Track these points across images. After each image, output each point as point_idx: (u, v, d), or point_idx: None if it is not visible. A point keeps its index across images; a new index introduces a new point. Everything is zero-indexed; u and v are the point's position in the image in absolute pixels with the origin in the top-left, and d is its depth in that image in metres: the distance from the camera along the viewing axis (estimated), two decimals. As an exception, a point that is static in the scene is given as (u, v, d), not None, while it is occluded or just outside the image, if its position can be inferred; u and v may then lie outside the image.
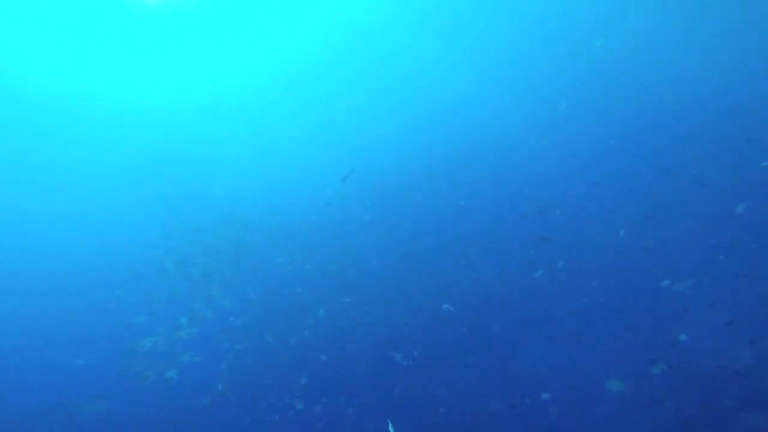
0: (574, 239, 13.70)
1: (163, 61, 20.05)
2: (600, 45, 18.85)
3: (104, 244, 15.81)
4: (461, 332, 12.56)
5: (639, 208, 13.78)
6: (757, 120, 15.57)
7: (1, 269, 15.89)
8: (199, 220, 16.58)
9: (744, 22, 16.63)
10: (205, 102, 21.90)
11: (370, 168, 18.14)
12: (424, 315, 13.18)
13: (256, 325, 12.84)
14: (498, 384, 11.08)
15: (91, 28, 16.84)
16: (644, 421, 9.66)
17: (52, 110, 18.71)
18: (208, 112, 21.94)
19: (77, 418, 11.61)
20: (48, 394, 12.82)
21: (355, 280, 14.19)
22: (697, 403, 9.43)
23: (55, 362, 13.76)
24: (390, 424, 2.73)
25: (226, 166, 19.61)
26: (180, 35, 18.51)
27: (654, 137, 16.67)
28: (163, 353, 12.03)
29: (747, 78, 17.62)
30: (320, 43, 19.32)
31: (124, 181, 19.11)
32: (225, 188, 18.00)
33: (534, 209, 15.18)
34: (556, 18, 18.54)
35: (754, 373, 9.13)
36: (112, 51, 17.87)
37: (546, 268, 13.08)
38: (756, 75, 17.11)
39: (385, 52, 21.88)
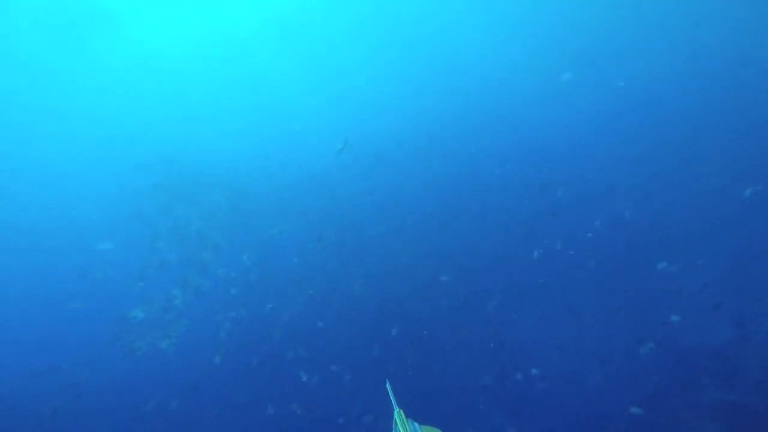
0: (575, 218, 13.61)
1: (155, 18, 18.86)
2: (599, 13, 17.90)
3: (91, 204, 15.43)
4: (456, 306, 12.71)
5: (644, 188, 13.61)
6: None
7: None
8: (194, 183, 16.22)
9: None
10: (203, 60, 20.90)
11: (370, 135, 17.64)
12: (420, 287, 13.27)
13: (251, 295, 12.88)
14: (490, 358, 11.34)
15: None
16: (626, 395, 10.00)
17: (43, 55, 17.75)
18: (205, 71, 20.97)
19: (67, 385, 11.82)
20: (35, 359, 12.93)
21: (352, 251, 14.15)
22: (676, 380, 9.77)
23: (43, 328, 13.81)
24: (388, 384, 2.71)
25: (221, 130, 19.00)
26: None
27: (662, 115, 16.20)
28: (156, 323, 12.07)
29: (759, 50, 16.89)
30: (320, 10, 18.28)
31: (115, 140, 18.50)
32: (220, 152, 17.50)
33: (536, 186, 14.96)
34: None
35: (733, 354, 9.46)
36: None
37: (546, 248, 13.07)
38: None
39: (385, 15, 20.73)
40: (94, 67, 18.95)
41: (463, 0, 20.33)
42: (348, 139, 15.67)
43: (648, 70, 18.36)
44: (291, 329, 12.24)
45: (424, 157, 16.81)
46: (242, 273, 13.39)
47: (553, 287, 12.26)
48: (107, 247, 14.62)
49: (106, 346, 11.70)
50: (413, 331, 12.20)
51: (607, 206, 13.62)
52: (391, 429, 2.00)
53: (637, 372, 10.22)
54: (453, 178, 16.05)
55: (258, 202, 15.41)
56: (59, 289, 14.24)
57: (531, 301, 12.30)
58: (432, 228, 14.74)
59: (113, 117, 19.25)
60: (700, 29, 18.90)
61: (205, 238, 14.23)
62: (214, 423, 11.06)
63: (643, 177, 14.01)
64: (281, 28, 20.60)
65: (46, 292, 14.39)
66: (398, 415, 2.22)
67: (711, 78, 17.09)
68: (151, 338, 11.65)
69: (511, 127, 18.39)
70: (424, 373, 11.48)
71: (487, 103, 19.24)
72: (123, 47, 19.00)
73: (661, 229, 12.41)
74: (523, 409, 10.83)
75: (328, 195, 15.58)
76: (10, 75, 17.67)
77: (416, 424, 2.19)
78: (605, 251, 12.66)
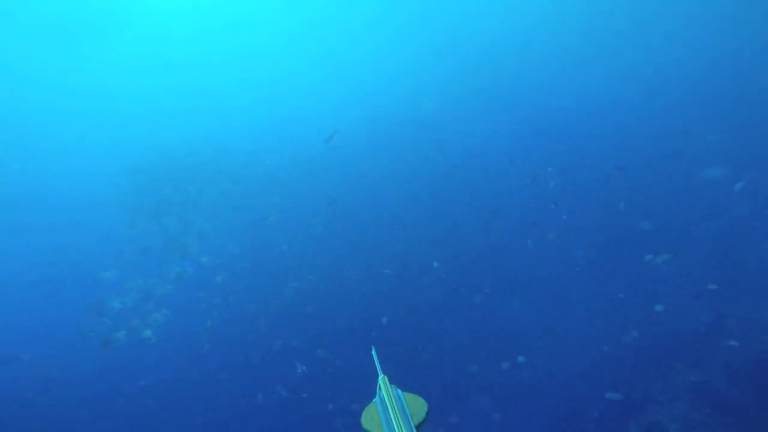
0: (568, 208, 13.67)
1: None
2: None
3: (64, 187, 14.62)
4: (447, 293, 12.74)
5: (636, 180, 13.70)
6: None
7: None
8: (177, 166, 15.53)
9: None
10: (192, 45, 19.85)
11: (362, 119, 17.13)
12: (412, 274, 13.24)
13: (237, 283, 12.59)
14: (478, 345, 11.48)
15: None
16: (606, 380, 10.31)
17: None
18: (194, 55, 19.91)
19: (34, 378, 11.45)
20: (8, 354, 12.46)
21: (342, 237, 13.93)
22: (654, 365, 10.15)
23: (12, 319, 13.24)
24: (373, 350, 2.68)
25: (207, 111, 18.16)
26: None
27: (660, 107, 16.20)
28: (134, 312, 11.67)
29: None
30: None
31: (91, 119, 17.51)
32: (206, 135, 16.73)
33: (529, 176, 14.91)
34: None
35: (708, 340, 9.88)
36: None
37: (538, 237, 13.12)
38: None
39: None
40: (82, 54, 17.78)
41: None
42: (337, 128, 15.18)
43: (647, 62, 18.26)
44: (280, 317, 12.08)
45: (417, 142, 16.49)
46: (228, 260, 13.06)
47: (543, 276, 12.39)
48: (80, 232, 14.01)
49: (76, 337, 11.24)
50: (403, 318, 12.22)
51: (602, 196, 13.69)
52: (376, 395, 2.02)
53: (618, 358, 10.54)
54: (446, 164, 15.83)
55: (246, 186, 14.91)
56: (26, 276, 13.63)
57: (521, 289, 12.42)
58: (424, 214, 14.61)
59: (91, 95, 18.22)
60: (706, 19, 18.80)
61: (189, 223, 13.75)
62: (201, 413, 10.96)
63: (637, 167, 14.09)
64: (271, 11, 19.65)
65: (10, 279, 13.76)
66: (383, 381, 2.27)
67: (710, 70, 17.11)
68: (129, 329, 11.27)
69: (506, 115, 18.17)
70: (414, 361, 11.57)
71: (481, 90, 18.91)
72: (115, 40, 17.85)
73: (653, 219, 12.58)
74: (508, 395, 11.08)
75: (318, 179, 15.18)
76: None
77: (399, 391, 2.21)
78: (597, 241, 12.81)
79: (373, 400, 2.29)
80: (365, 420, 2.20)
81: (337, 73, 20.21)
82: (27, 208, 15.10)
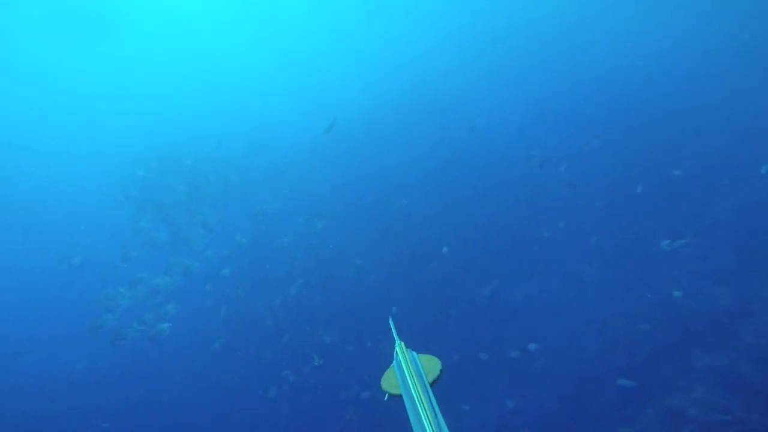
0: (581, 191, 13.28)
1: None
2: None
3: (73, 181, 14.58)
4: (455, 280, 12.52)
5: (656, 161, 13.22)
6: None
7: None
8: (181, 157, 15.37)
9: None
10: (192, 38, 19.63)
11: (363, 107, 16.76)
12: (418, 261, 13.04)
13: (245, 275, 12.51)
14: (487, 334, 11.28)
15: None
16: (621, 365, 10.07)
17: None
18: (195, 48, 19.66)
19: (56, 377, 11.54)
20: (18, 347, 12.58)
21: (350, 224, 13.72)
22: (672, 350, 9.88)
23: (23, 315, 13.35)
24: (391, 320, 3.09)
25: (209, 103, 17.94)
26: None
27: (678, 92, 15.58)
28: (142, 307, 11.65)
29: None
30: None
31: (95, 113, 17.42)
32: (207, 125, 16.54)
33: (538, 158, 14.49)
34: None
35: (728, 323, 9.56)
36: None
37: (549, 223, 12.79)
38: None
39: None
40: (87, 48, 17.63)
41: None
42: (336, 117, 14.87)
43: (660, 36, 17.49)
44: (287, 309, 12.00)
45: (421, 128, 16.10)
46: (235, 251, 12.96)
47: (556, 261, 12.07)
48: (87, 226, 14.01)
49: (86, 334, 11.28)
50: (411, 306, 12.04)
51: (619, 178, 13.24)
52: (393, 360, 2.25)
53: (634, 344, 10.26)
54: (451, 149, 15.46)
55: (249, 177, 14.72)
56: (36, 273, 13.72)
57: (532, 275, 12.13)
58: (431, 200, 14.33)
59: (93, 91, 18.15)
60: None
61: (194, 215, 13.65)
62: (214, 407, 10.98)
63: (654, 149, 13.59)
64: (272, 3, 19.29)
65: (18, 279, 13.86)
66: (399, 346, 2.43)
67: (737, 54, 16.35)
68: (138, 324, 11.27)
69: (513, 97, 17.64)
70: (423, 349, 11.43)
71: (487, 70, 18.37)
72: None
73: (670, 202, 12.14)
74: (520, 383, 10.90)
75: (321, 167, 14.93)
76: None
77: (414, 354, 2.37)
78: (613, 226, 12.43)
79: (391, 365, 2.44)
80: (385, 383, 2.36)
81: (339, 62, 19.84)
82: (32, 206, 15.16)
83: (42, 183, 15.30)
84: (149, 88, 18.47)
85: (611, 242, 12.14)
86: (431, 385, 2.09)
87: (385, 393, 2.34)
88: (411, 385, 2.03)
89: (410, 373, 2.14)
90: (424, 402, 1.86)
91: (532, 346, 10.97)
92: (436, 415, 1.78)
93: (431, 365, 2.31)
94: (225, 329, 12.00)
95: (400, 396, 2.15)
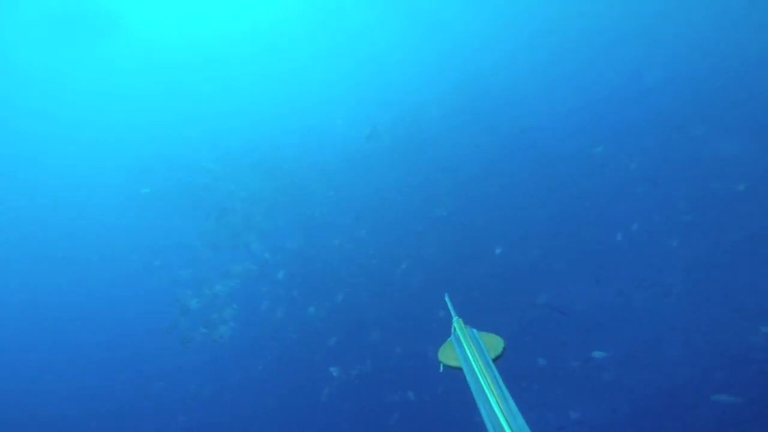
0: (657, 188, 12.09)
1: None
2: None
3: (136, 189, 15.88)
4: (507, 282, 11.94)
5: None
6: None
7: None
8: (237, 163, 16.19)
9: None
10: (242, 52, 20.85)
11: (407, 108, 16.64)
12: (466, 264, 12.62)
13: (298, 279, 12.86)
14: (546, 340, 10.58)
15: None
16: (718, 380, 8.95)
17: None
18: (244, 63, 20.85)
19: (136, 379, 12.54)
20: (98, 349, 13.81)
21: (396, 226, 13.62)
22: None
23: (103, 318, 14.71)
24: (447, 296, 2.98)
25: (260, 111, 18.86)
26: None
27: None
28: (207, 310, 12.36)
29: None
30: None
31: (165, 119, 18.90)
32: (262, 131, 17.34)
33: (599, 156, 13.47)
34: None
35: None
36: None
37: (621, 224, 11.79)
38: None
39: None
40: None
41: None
42: (375, 124, 14.93)
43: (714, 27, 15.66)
44: (336, 312, 12.13)
45: (469, 128, 15.67)
46: (288, 254, 13.38)
47: (630, 264, 11.03)
48: (157, 232, 15.18)
49: (164, 334, 12.20)
50: (461, 310, 11.65)
51: (697, 172, 11.93)
52: (450, 335, 2.16)
53: (737, 357, 9.01)
54: (502, 151, 14.85)
55: (299, 181, 15.19)
56: (123, 277, 15.13)
57: (600, 280, 11.20)
58: (480, 200, 13.84)
59: (159, 101, 19.75)
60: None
61: (250, 219, 14.30)
62: (270, 407, 11.36)
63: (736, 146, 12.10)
64: (302, 14, 19.93)
65: (113, 281, 15.37)
66: (457, 322, 2.40)
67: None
68: (204, 326, 11.98)
69: (565, 95, 16.66)
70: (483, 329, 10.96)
71: (540, 68, 17.51)
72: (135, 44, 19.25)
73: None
74: (584, 392, 10.07)
75: (366, 172, 15.02)
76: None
77: (474, 331, 2.32)
78: (694, 230, 11.13)
79: (449, 339, 2.40)
80: (442, 355, 2.33)
81: (382, 64, 19.94)
82: (113, 212, 16.79)
83: (113, 193, 16.96)
84: (205, 94, 19.68)
85: (698, 246, 10.85)
86: (494, 361, 2.01)
87: (441, 363, 2.30)
88: (473, 361, 1.95)
89: (470, 348, 2.06)
90: (488, 378, 1.79)
91: (597, 354, 10.12)
92: (502, 391, 1.68)
93: (494, 343, 2.23)
94: (281, 331, 12.38)
95: (457, 368, 2.11)
